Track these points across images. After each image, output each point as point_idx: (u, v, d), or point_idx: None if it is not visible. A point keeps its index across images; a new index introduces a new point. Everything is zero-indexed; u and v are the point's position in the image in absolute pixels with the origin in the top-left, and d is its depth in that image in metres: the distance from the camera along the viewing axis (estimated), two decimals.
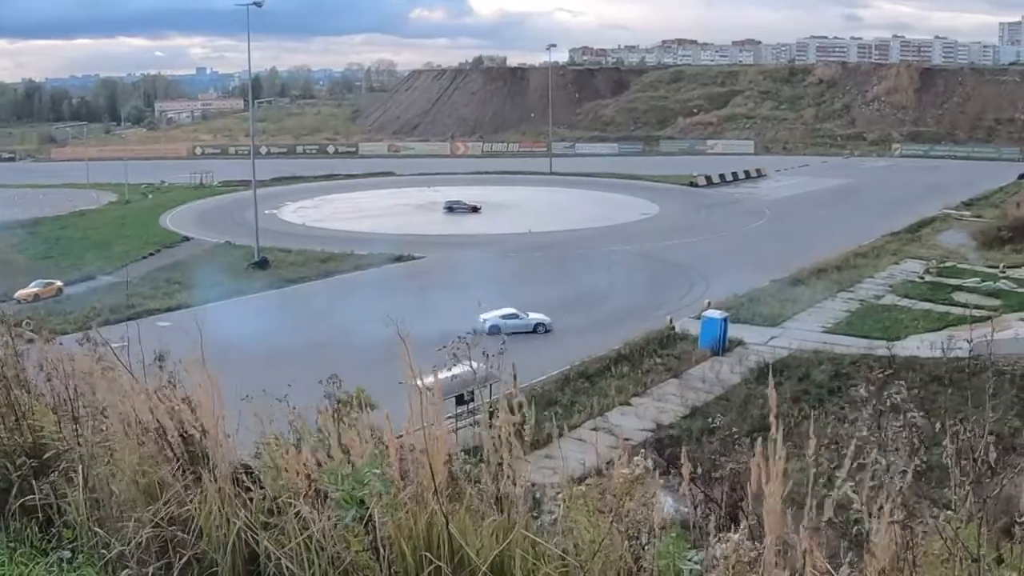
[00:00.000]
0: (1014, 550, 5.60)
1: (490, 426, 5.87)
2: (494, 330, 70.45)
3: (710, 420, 51.95)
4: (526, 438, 5.90)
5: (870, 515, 5.38)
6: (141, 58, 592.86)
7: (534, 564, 5.41)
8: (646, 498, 5.59)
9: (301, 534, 5.67)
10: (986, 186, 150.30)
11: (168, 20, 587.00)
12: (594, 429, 52.63)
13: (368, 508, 5.63)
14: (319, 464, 6.12)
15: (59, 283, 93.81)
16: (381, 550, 5.53)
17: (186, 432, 6.40)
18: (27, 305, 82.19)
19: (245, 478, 6.14)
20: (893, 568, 5.32)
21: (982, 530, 5.54)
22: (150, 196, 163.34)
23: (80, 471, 6.62)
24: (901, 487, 5.58)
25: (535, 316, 78.20)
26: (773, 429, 5.31)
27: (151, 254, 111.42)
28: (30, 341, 8.68)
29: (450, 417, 47.77)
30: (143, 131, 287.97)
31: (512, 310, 78.05)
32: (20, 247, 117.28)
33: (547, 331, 76.29)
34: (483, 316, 72.65)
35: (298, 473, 5.98)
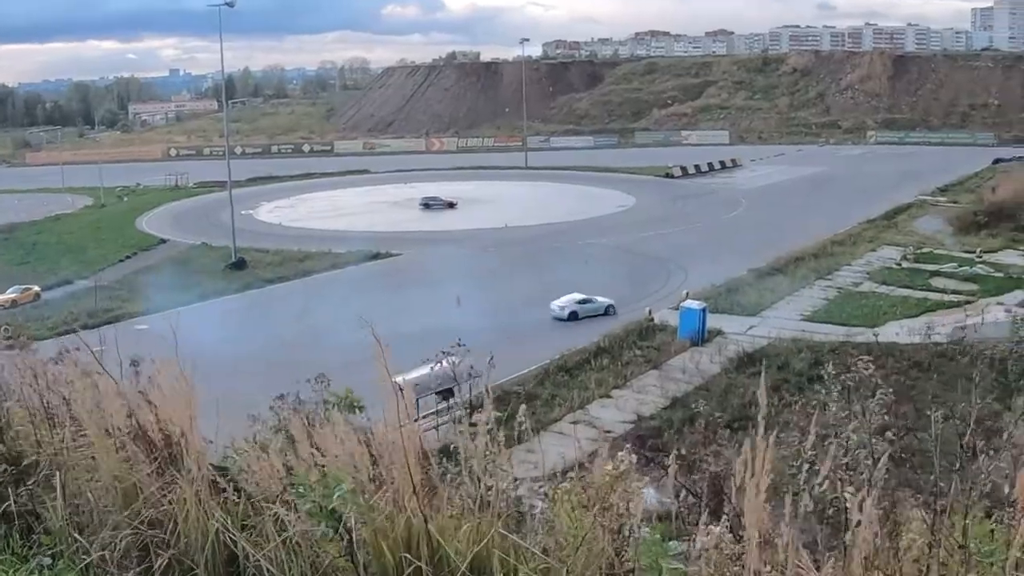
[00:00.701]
0: (997, 535, 5.59)
1: (470, 423, 5.83)
2: (573, 316, 76.16)
3: (694, 407, 52.29)
4: (502, 436, 5.87)
5: (849, 504, 5.36)
6: (113, 61, 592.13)
7: (515, 563, 5.39)
8: (628, 492, 5.57)
9: (279, 536, 5.65)
10: (961, 172, 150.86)
11: (140, 22, 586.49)
12: (575, 422, 52.64)
13: (341, 518, 5.59)
14: (289, 470, 6.09)
15: (36, 288, 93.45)
16: (358, 554, 5.50)
17: (161, 434, 6.38)
18: (5, 311, 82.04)
19: (221, 480, 6.12)
20: (876, 556, 5.31)
21: (967, 515, 5.54)
22: (125, 199, 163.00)
23: (59, 477, 6.58)
24: (881, 473, 5.57)
25: (603, 299, 79.98)
26: (761, 428, 5.29)
27: (128, 257, 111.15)
28: (8, 348, 8.64)
29: (432, 412, 47.73)
30: (117, 134, 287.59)
31: (582, 296, 79.68)
32: None
33: (615, 313, 77.44)
34: (556, 303, 77.83)
35: (270, 477, 5.96)
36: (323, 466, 6.00)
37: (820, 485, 5.47)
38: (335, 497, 5.50)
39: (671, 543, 5.57)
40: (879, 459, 5.74)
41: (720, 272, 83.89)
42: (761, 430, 5.26)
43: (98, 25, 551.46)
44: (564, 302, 78.49)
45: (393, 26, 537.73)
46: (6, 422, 7.42)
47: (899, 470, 6.65)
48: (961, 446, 6.17)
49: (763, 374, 6.06)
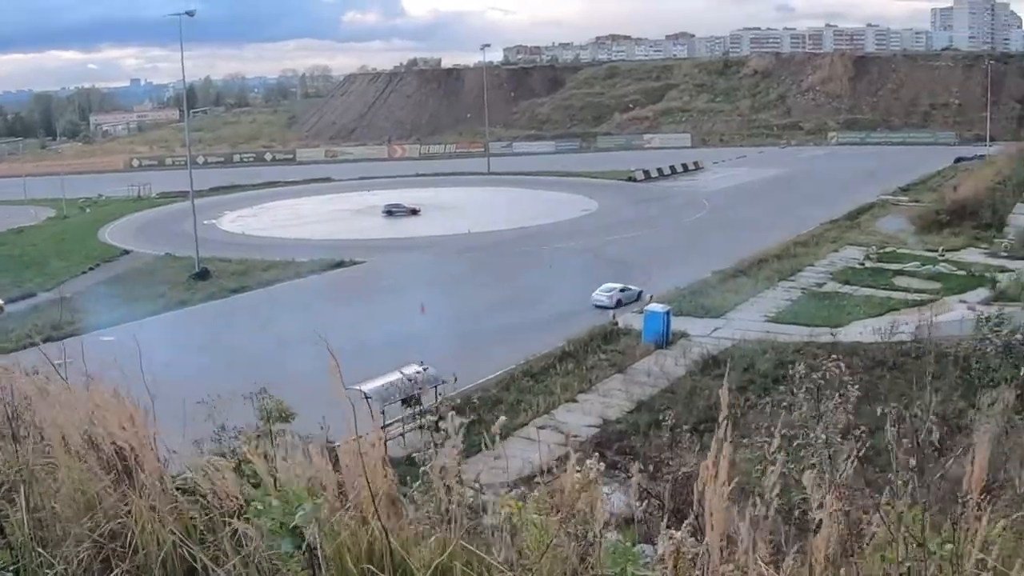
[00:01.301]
0: (957, 532, 5.63)
1: (436, 431, 5.84)
2: (619, 304, 79.30)
3: (658, 413, 52.40)
4: (462, 445, 5.86)
5: (813, 501, 5.40)
6: (74, 71, 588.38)
7: (479, 572, 5.39)
8: (594, 498, 5.58)
9: (238, 552, 5.64)
10: (923, 171, 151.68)
11: (100, 32, 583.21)
12: (541, 427, 52.66)
13: (303, 535, 5.57)
14: (252, 484, 6.07)
15: (0, 301, 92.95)
16: (320, 569, 5.48)
17: (116, 446, 6.36)
18: None
19: (179, 495, 6.11)
20: (838, 554, 5.35)
21: (926, 513, 5.57)
22: (88, 210, 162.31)
23: (22, 490, 6.56)
24: (843, 473, 5.61)
25: (635, 287, 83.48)
26: (721, 430, 5.31)
27: (91, 268, 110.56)
28: None
29: (396, 420, 47.69)
30: (79, 145, 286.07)
31: (620, 285, 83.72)
32: None
33: (649, 297, 78.86)
34: (601, 293, 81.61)
35: (227, 495, 5.94)
36: (276, 478, 5.98)
37: (782, 487, 5.50)
38: (297, 516, 5.47)
39: (640, 547, 5.60)
40: (843, 459, 5.78)
41: (684, 275, 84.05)
42: (720, 432, 5.28)
43: (58, 36, 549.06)
44: (607, 291, 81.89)
45: (354, 33, 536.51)
46: None
47: (863, 468, 6.69)
48: (917, 443, 6.22)
49: (726, 376, 6.08)
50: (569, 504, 5.52)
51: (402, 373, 52.32)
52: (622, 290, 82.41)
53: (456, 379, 44.80)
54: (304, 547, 5.46)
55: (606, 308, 78.81)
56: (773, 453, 5.71)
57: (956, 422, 44.66)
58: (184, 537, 5.85)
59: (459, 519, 5.56)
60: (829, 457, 5.80)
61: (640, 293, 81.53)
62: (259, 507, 5.66)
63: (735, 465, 5.32)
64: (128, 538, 6.01)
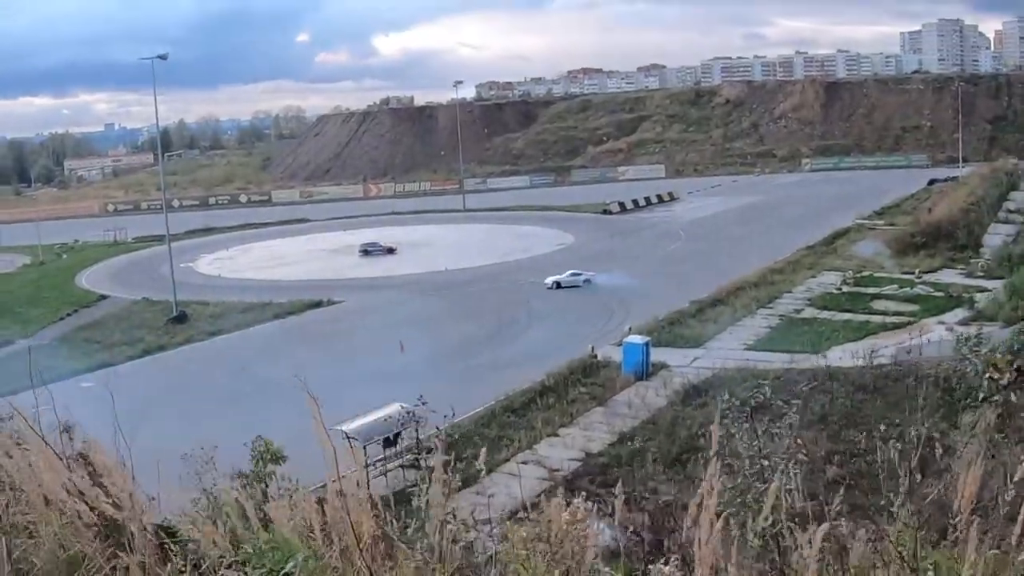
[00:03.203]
0: (947, 554, 5.62)
1: (417, 468, 5.80)
2: (559, 285, 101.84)
3: (637, 444, 52.30)
4: (450, 484, 5.82)
5: (794, 527, 5.38)
6: (47, 117, 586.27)
7: None
8: (583, 534, 5.55)
9: None
10: (897, 194, 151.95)
11: (71, 77, 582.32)
12: (523, 462, 52.55)
13: None
14: (235, 533, 6.01)
15: None
16: None
17: (102, 500, 6.28)
18: None
19: (169, 545, 6.04)
20: None
21: (917, 535, 5.55)
22: (64, 256, 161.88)
23: (3, 543, 6.49)
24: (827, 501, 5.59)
25: (588, 273, 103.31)
26: (712, 466, 5.29)
27: (68, 315, 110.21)
28: None
29: (378, 460, 47.74)
30: (54, 191, 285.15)
31: (574, 271, 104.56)
32: None
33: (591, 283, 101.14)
34: (551, 278, 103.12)
35: (215, 543, 5.88)
36: (268, 525, 5.93)
37: (765, 518, 5.48)
38: (288, 564, 5.42)
39: None
40: (823, 487, 5.77)
41: (662, 305, 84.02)
42: (712, 468, 5.26)
43: (29, 81, 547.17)
44: (559, 277, 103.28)
45: (325, 74, 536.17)
46: None
47: (848, 494, 6.67)
48: (907, 466, 6.20)
49: (717, 413, 6.08)
50: (558, 540, 5.48)
51: (384, 412, 52.39)
52: (573, 274, 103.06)
53: (453, 414, 44.83)
54: None
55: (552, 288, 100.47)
56: (754, 481, 5.70)
57: (939, 443, 44.74)
58: None
59: (450, 557, 5.53)
60: (812, 485, 5.74)
61: (586, 280, 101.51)
62: (250, 554, 5.62)
63: (720, 494, 5.30)
64: None
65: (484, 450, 6.24)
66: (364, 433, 48.67)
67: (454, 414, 48.37)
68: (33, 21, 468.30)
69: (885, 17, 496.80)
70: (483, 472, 6.26)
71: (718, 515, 5.12)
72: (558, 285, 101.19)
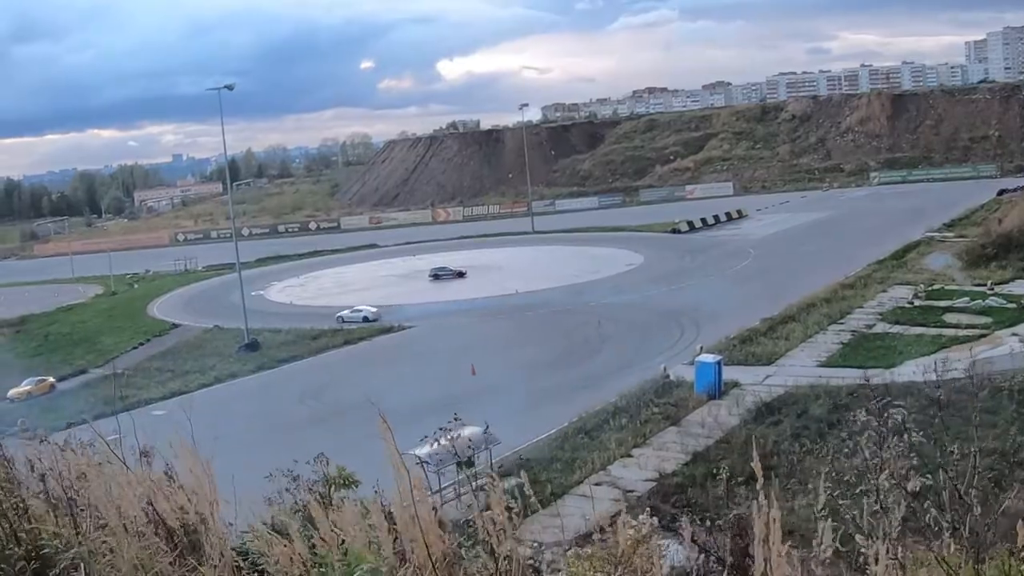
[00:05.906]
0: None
1: (483, 494, 5.81)
2: (343, 321, 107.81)
3: (714, 464, 52.05)
4: (519, 506, 5.82)
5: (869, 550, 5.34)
6: (115, 149, 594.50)
7: None
8: (650, 551, 5.55)
9: None
10: (967, 205, 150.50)
11: (137, 110, 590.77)
12: (597, 484, 52.41)
13: None
14: (312, 551, 6.05)
15: (51, 379, 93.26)
16: None
17: (180, 521, 6.35)
18: (21, 403, 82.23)
19: (243, 564, 6.09)
20: None
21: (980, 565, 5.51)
22: (136, 286, 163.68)
23: (82, 569, 6.56)
24: (897, 520, 5.55)
25: (370, 310, 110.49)
26: (760, 481, 5.27)
27: (141, 344, 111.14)
28: (26, 439, 8.64)
29: (451, 484, 47.63)
30: (124, 221, 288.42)
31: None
32: (9, 346, 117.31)
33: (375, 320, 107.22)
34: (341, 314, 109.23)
35: (291, 561, 5.92)
36: (343, 542, 5.96)
37: (842, 534, 5.46)
38: (356, 574, 5.46)
39: None
40: (898, 505, 5.73)
41: (733, 324, 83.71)
42: (764, 497, 5.24)
43: (96, 115, 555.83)
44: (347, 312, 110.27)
45: (390, 100, 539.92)
46: (25, 516, 7.41)
47: (923, 511, 6.62)
48: (973, 486, 6.15)
49: (753, 447, 6.05)
50: (627, 560, 5.48)
51: (454, 434, 52.32)
52: (353, 311, 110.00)
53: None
54: None
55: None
56: (826, 503, 5.68)
57: (1017, 457, 44.31)
58: None
59: None
60: (881, 507, 5.70)
61: (365, 317, 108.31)
62: (322, 570, 5.66)
63: (793, 511, 5.29)
64: None
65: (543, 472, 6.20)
66: (436, 457, 48.67)
67: (488, 446, 48.53)
68: (98, 56, 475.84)
69: (949, 27, 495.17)
70: (553, 496, 6.23)
71: (787, 533, 5.12)
72: (342, 320, 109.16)
